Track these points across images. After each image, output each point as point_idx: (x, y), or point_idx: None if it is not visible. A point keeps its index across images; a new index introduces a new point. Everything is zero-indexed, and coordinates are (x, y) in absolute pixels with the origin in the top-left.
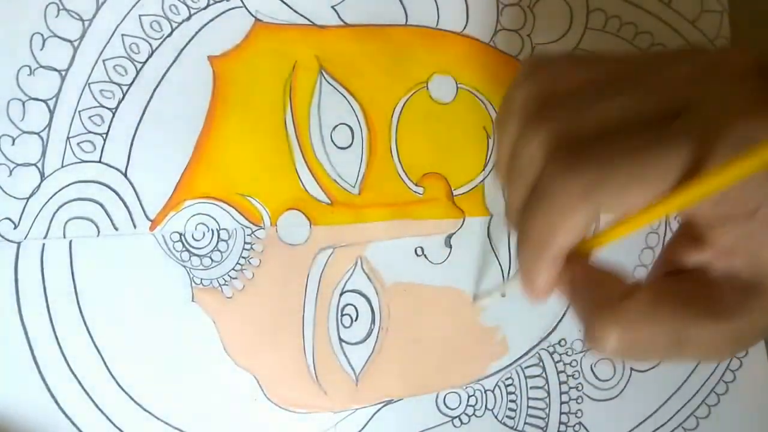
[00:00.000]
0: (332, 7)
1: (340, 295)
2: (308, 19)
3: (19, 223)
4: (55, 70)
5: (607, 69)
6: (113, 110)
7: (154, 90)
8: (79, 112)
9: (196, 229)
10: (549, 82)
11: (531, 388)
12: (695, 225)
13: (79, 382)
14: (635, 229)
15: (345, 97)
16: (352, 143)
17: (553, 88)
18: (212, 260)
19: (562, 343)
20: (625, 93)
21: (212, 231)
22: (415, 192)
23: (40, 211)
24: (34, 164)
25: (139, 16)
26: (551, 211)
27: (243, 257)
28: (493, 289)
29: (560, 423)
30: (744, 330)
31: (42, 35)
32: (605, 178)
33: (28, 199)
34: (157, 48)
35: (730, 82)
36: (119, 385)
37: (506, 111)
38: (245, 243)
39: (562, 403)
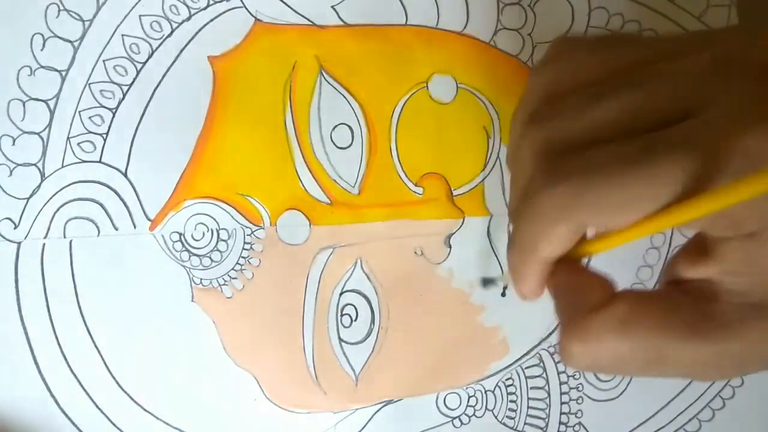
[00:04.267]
0: (332, 7)
1: (340, 295)
2: (308, 19)
3: (19, 223)
4: (56, 70)
5: (617, 62)
6: (113, 110)
7: (154, 90)
8: (80, 112)
9: (195, 229)
10: (561, 73)
11: (531, 388)
12: (703, 237)
13: (79, 382)
14: (628, 241)
15: (345, 97)
16: (351, 143)
17: (563, 81)
18: (212, 260)
19: None
20: (626, 93)
21: (212, 231)
22: (415, 192)
23: (40, 211)
24: (35, 164)
25: (139, 16)
26: (534, 219)
27: (243, 257)
28: (497, 277)
29: (560, 423)
30: (738, 352)
31: (42, 35)
32: (581, 195)
33: (28, 199)
34: (157, 48)
35: (745, 81)
36: (119, 385)
37: (520, 101)
38: (245, 243)
39: (562, 403)
